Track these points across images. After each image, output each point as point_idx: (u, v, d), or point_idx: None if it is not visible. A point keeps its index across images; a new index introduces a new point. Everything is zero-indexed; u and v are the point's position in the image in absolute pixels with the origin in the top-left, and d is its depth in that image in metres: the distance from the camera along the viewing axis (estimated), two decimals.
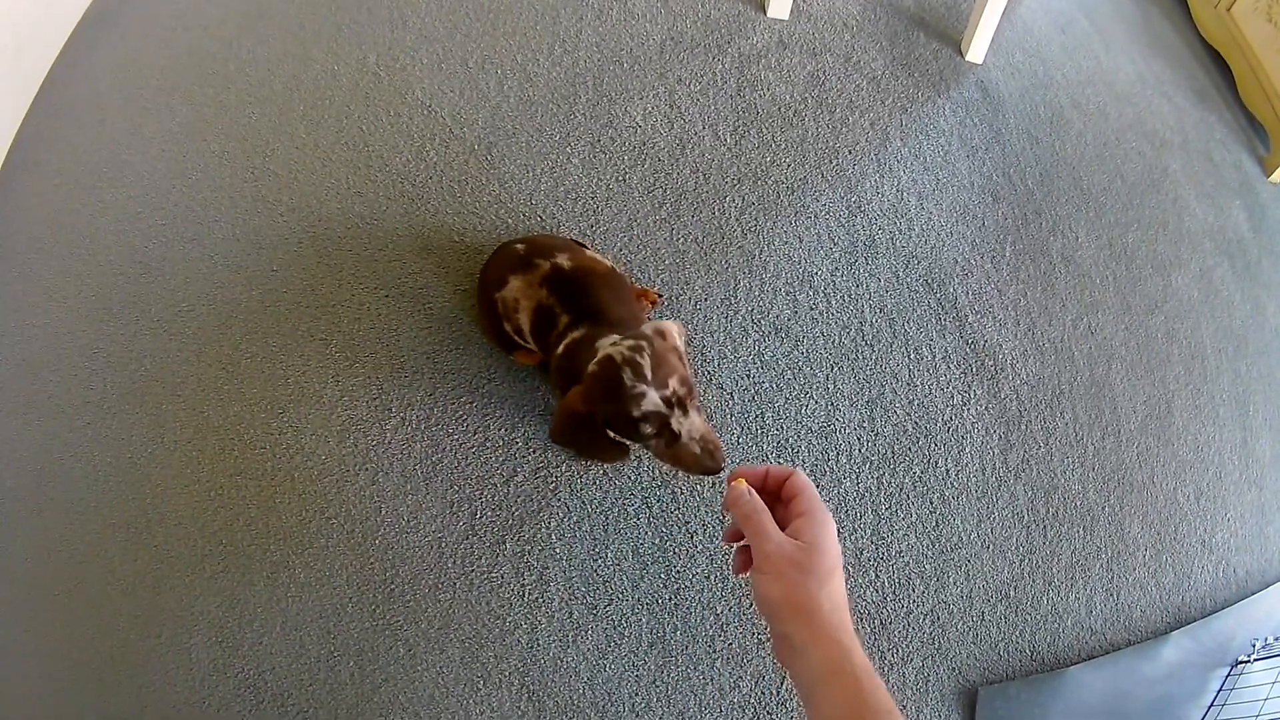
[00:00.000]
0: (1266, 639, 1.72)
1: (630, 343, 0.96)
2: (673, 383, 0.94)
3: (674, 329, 1.02)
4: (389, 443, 1.26)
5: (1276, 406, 1.76)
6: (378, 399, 1.27)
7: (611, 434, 1.00)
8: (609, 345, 0.97)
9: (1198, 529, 1.67)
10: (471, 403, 1.29)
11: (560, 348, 1.07)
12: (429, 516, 1.25)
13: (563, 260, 1.15)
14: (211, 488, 1.26)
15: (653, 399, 0.93)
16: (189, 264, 1.36)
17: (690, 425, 0.94)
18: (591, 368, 0.96)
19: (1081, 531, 1.51)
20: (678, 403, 0.94)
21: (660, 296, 1.35)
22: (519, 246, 1.19)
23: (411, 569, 1.23)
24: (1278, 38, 1.97)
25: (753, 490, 0.73)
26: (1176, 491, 1.65)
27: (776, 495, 0.73)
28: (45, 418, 1.27)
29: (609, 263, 1.23)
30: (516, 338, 1.21)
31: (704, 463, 0.94)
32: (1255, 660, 1.82)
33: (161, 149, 1.42)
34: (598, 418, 0.96)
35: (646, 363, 0.94)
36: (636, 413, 0.93)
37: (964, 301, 1.48)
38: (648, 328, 1.00)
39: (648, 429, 0.94)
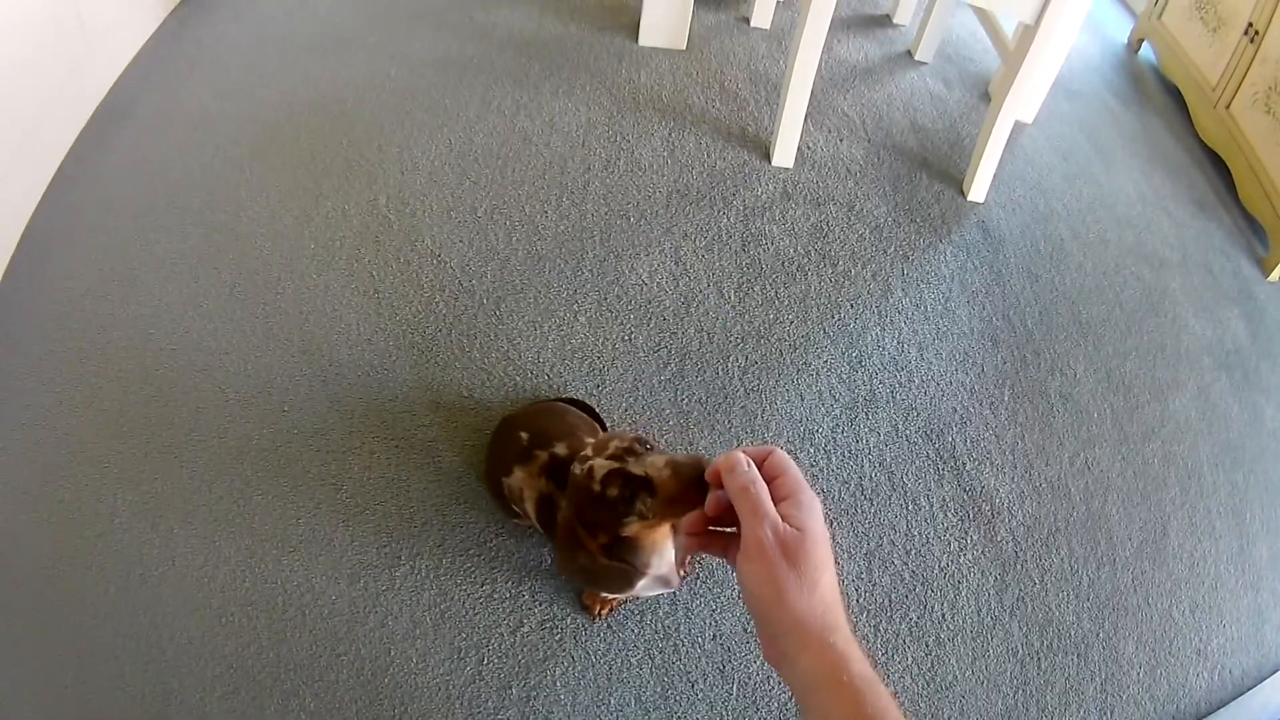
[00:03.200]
0: None
1: (587, 452, 1.00)
2: (612, 444, 0.95)
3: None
4: (398, 589, 1.34)
5: (1273, 509, 1.76)
6: (387, 546, 1.35)
7: (609, 558, 1.02)
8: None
9: (1193, 640, 1.69)
10: (479, 556, 1.37)
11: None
12: (437, 660, 1.31)
13: (560, 450, 1.21)
14: (222, 614, 1.31)
15: (602, 466, 0.93)
16: (200, 394, 1.43)
17: (649, 461, 0.88)
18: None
19: (1075, 659, 1.55)
20: (627, 451, 0.93)
21: None
22: (523, 435, 1.25)
23: (420, 708, 1.29)
24: (1277, 129, 1.94)
25: (751, 462, 0.63)
26: (1171, 609, 1.67)
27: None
28: (55, 523, 1.33)
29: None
30: (517, 509, 1.28)
31: (684, 472, 0.80)
32: None
33: (173, 270, 1.48)
34: (583, 519, 0.98)
35: (589, 449, 0.98)
36: (596, 488, 0.93)
37: (962, 450, 1.51)
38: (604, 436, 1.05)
39: (618, 491, 0.90)
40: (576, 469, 0.99)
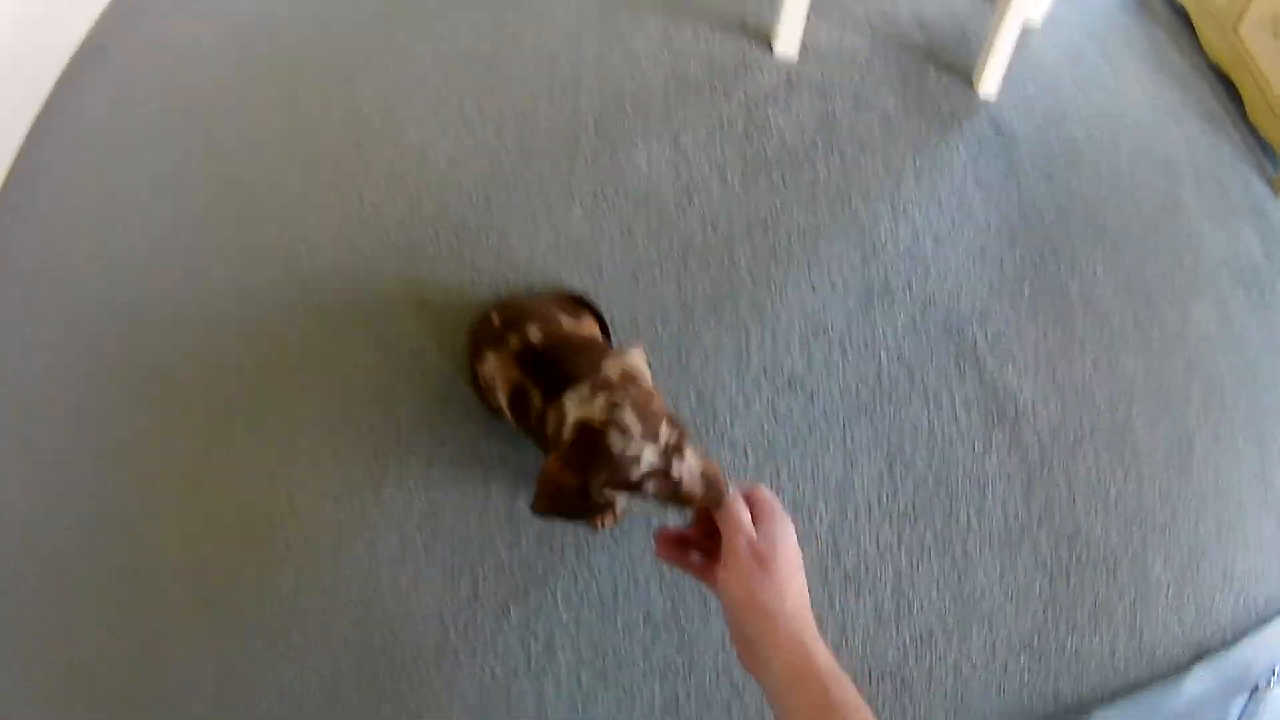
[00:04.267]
0: None
1: (602, 399, 0.82)
2: (663, 430, 0.80)
3: (639, 361, 0.90)
4: (386, 507, 1.22)
5: None
6: (374, 460, 1.21)
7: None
8: (576, 405, 0.84)
9: (1219, 563, 1.58)
10: (471, 465, 1.23)
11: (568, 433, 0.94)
12: (429, 583, 1.20)
13: (533, 333, 1.06)
14: (205, 548, 1.20)
15: (649, 457, 0.78)
16: (179, 315, 1.29)
17: (689, 466, 0.79)
18: (567, 436, 0.83)
19: (1105, 575, 1.43)
20: (674, 449, 0.79)
21: None
22: (495, 316, 1.09)
23: (413, 636, 1.18)
24: None
25: (737, 492, 0.73)
26: (1198, 526, 1.56)
27: None
28: (34, 463, 1.21)
29: (591, 328, 1.11)
30: (496, 406, 1.12)
31: (710, 498, 0.77)
32: (1275, 687, 1.71)
33: (153, 194, 1.34)
34: (591, 488, 0.82)
35: (630, 417, 0.80)
36: (636, 476, 0.79)
37: (983, 346, 1.39)
38: (611, 369, 0.87)
39: (651, 486, 0.79)
40: (615, 440, 0.79)
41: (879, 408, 1.35)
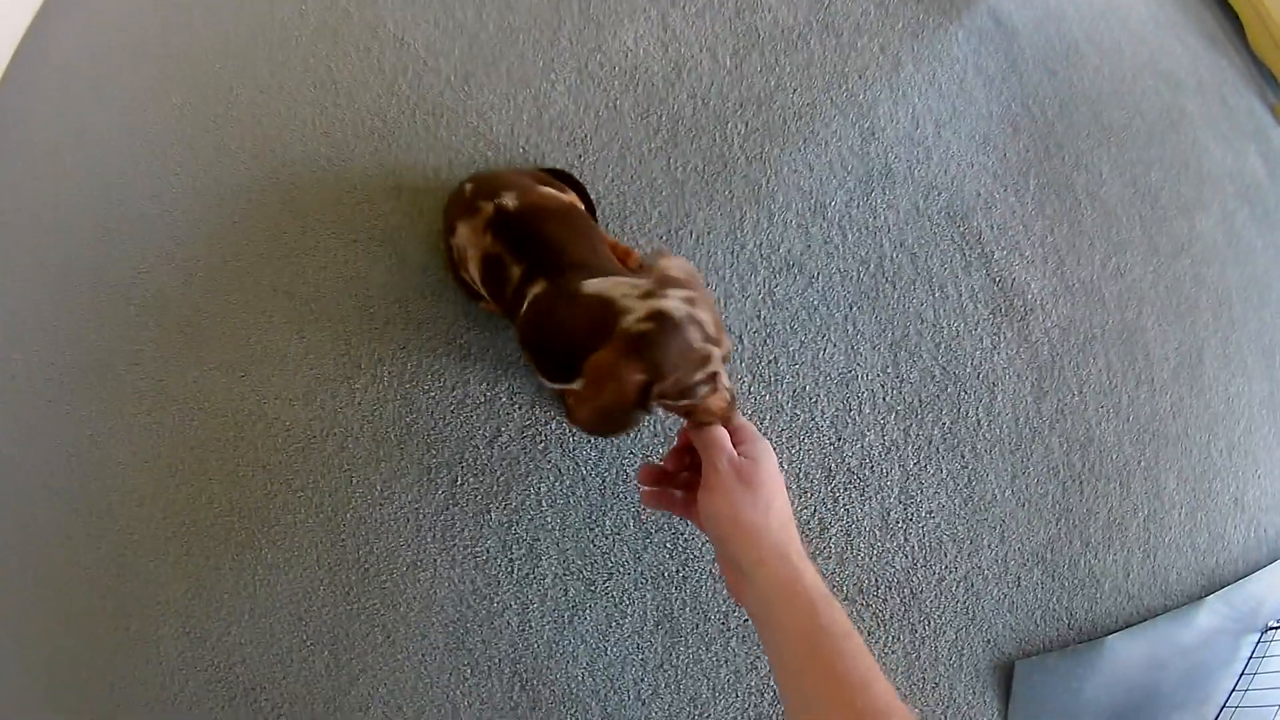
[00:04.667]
0: None
1: (681, 294, 0.75)
2: (727, 339, 0.77)
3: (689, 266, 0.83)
4: (359, 403, 1.09)
5: None
6: (345, 354, 1.09)
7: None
8: (634, 297, 0.75)
9: (1230, 486, 1.49)
10: (448, 355, 1.09)
11: (524, 308, 0.86)
12: (404, 485, 1.07)
13: (508, 201, 0.94)
14: (172, 462, 1.06)
15: (717, 359, 0.75)
16: (148, 223, 1.17)
17: (726, 385, 0.76)
18: (642, 327, 0.73)
19: (1118, 488, 1.32)
20: (726, 358, 0.77)
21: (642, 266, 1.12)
22: (467, 186, 0.97)
23: (387, 545, 1.06)
24: None
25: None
26: (1210, 445, 1.46)
27: None
28: (5, 399, 1.07)
29: (570, 197, 0.99)
30: (475, 289, 0.97)
31: (727, 412, 0.75)
32: None
33: (123, 108, 1.20)
34: (654, 388, 0.73)
35: (706, 316, 0.75)
36: (702, 376, 0.74)
37: (989, 236, 1.28)
38: (675, 269, 0.79)
39: (700, 393, 0.75)
40: (695, 335, 0.73)
41: (881, 294, 1.23)
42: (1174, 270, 1.54)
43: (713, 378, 0.74)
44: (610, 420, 0.78)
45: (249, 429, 1.09)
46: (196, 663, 1.04)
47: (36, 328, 1.09)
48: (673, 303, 0.73)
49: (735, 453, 0.70)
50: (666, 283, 0.76)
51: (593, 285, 0.79)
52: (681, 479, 0.78)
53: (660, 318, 0.73)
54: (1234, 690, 1.64)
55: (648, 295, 0.75)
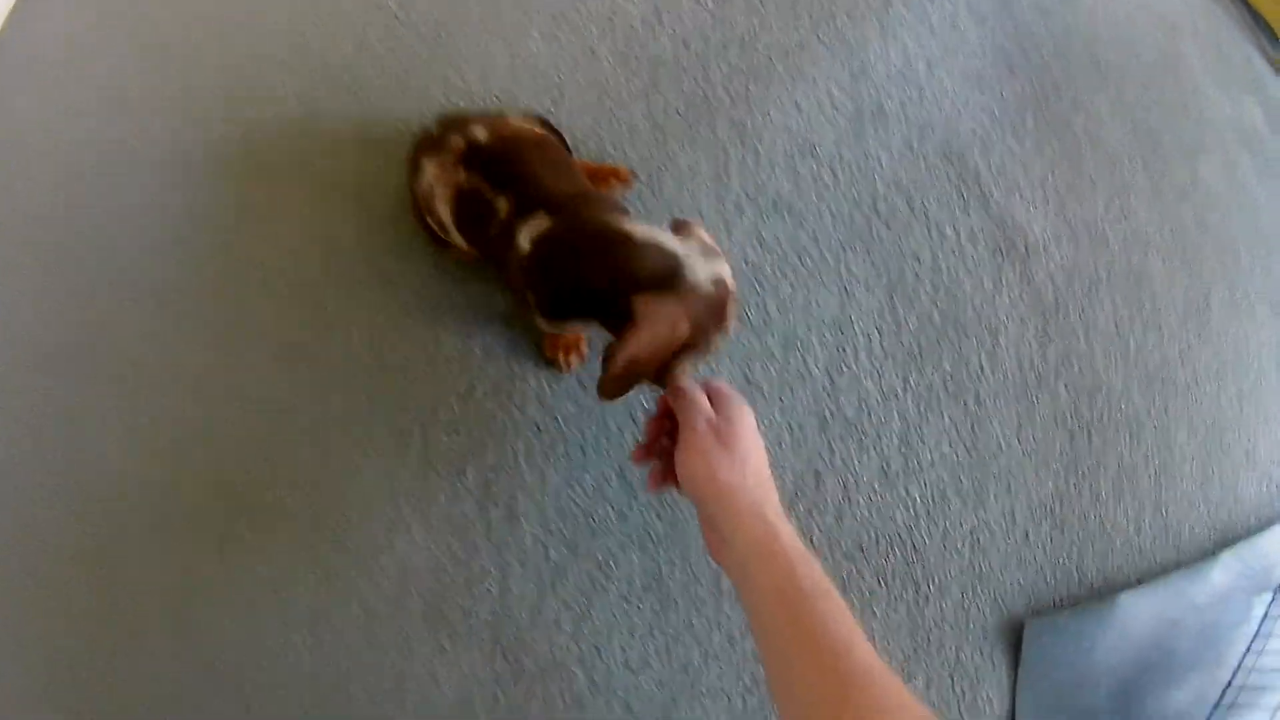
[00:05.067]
0: None
1: (724, 264, 0.77)
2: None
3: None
4: (330, 365, 1.03)
5: None
6: (317, 317, 1.04)
7: None
8: (699, 256, 0.76)
9: (1242, 439, 1.44)
10: (420, 311, 1.03)
11: (526, 245, 0.76)
12: (378, 449, 1.01)
13: (479, 133, 0.89)
14: (150, 438, 1.01)
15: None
16: (119, 194, 1.09)
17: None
18: (711, 289, 0.74)
19: (1128, 438, 1.27)
20: None
21: (633, 174, 1.05)
22: (433, 126, 0.93)
23: (361, 513, 1.00)
24: None
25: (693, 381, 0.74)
26: (1219, 395, 1.41)
27: None
28: None
29: (539, 130, 0.94)
30: (442, 233, 0.91)
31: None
32: None
33: (95, 74, 1.11)
34: (695, 347, 0.76)
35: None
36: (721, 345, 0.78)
37: (987, 176, 1.22)
38: (708, 237, 0.80)
39: (711, 346, 0.78)
40: (734, 309, 0.77)
41: (875, 235, 1.17)
42: (1178, 215, 1.48)
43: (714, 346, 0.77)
44: (639, 370, 0.74)
45: (222, 401, 1.03)
46: (182, 653, 0.99)
47: (14, 299, 1.03)
48: (725, 273, 0.75)
49: (712, 415, 0.71)
50: (711, 252, 0.77)
51: (642, 231, 0.76)
52: (660, 446, 0.78)
53: (723, 286, 0.74)
54: (1247, 652, 1.58)
55: (709, 255, 0.75)
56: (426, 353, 1.05)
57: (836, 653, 0.56)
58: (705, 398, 0.73)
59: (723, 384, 0.75)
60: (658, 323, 0.71)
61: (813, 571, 0.61)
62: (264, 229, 1.07)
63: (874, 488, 1.12)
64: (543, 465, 1.04)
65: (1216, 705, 1.57)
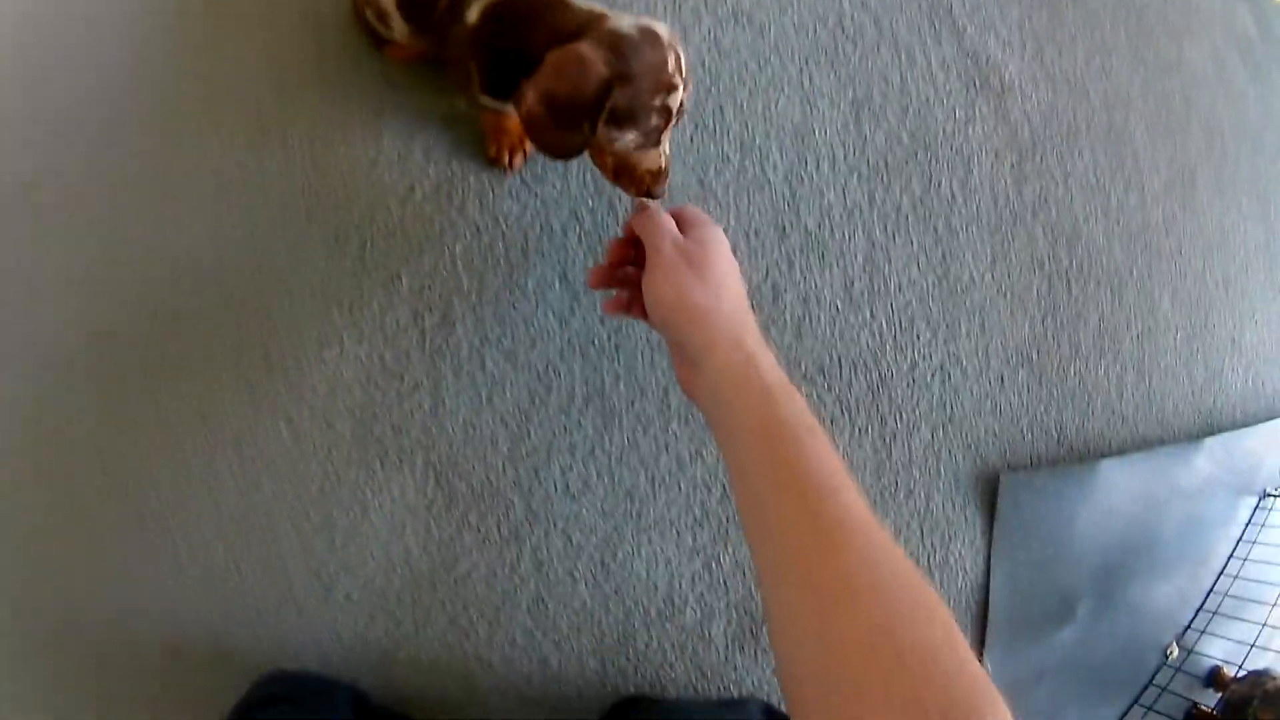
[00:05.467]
0: None
1: (671, 31, 0.70)
2: (690, 86, 0.73)
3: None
4: (267, 172, 0.96)
5: None
6: (255, 122, 0.97)
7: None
8: (635, 18, 0.70)
9: (1227, 323, 1.37)
10: (362, 113, 0.98)
11: (475, 18, 0.75)
12: (312, 256, 0.95)
13: None
14: (89, 280, 0.95)
15: (676, 100, 0.69)
16: (68, 26, 1.00)
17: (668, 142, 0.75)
18: (627, 31, 0.68)
19: (1109, 294, 1.21)
20: (681, 112, 0.72)
21: None
22: None
23: (290, 322, 0.93)
24: None
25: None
26: (1205, 273, 1.35)
27: None
28: None
29: None
30: (383, 27, 0.85)
31: (657, 179, 0.73)
32: None
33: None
34: (612, 90, 0.67)
35: (684, 57, 0.70)
36: (658, 103, 0.68)
37: (959, 10, 1.19)
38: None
39: (653, 124, 0.69)
40: (672, 60, 0.69)
41: (841, 51, 1.11)
42: (1163, 86, 1.43)
43: (665, 117, 0.69)
44: (557, 114, 0.67)
45: (156, 212, 0.96)
46: (110, 491, 0.92)
47: None
48: (662, 27, 0.69)
49: (680, 238, 0.66)
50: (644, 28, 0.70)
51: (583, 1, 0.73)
52: (625, 274, 0.73)
53: (647, 31, 0.67)
54: (1231, 557, 1.52)
55: (640, 18, 0.69)
56: (368, 156, 0.98)
57: (821, 495, 0.49)
58: (671, 220, 0.68)
59: (694, 209, 0.71)
60: (563, 65, 0.66)
61: (795, 403, 0.55)
62: (202, 38, 1.00)
63: (836, 306, 1.05)
64: (481, 268, 0.97)
65: (1199, 609, 1.49)
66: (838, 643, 0.44)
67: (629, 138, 0.69)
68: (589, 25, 0.68)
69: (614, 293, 0.77)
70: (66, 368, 0.95)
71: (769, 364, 0.58)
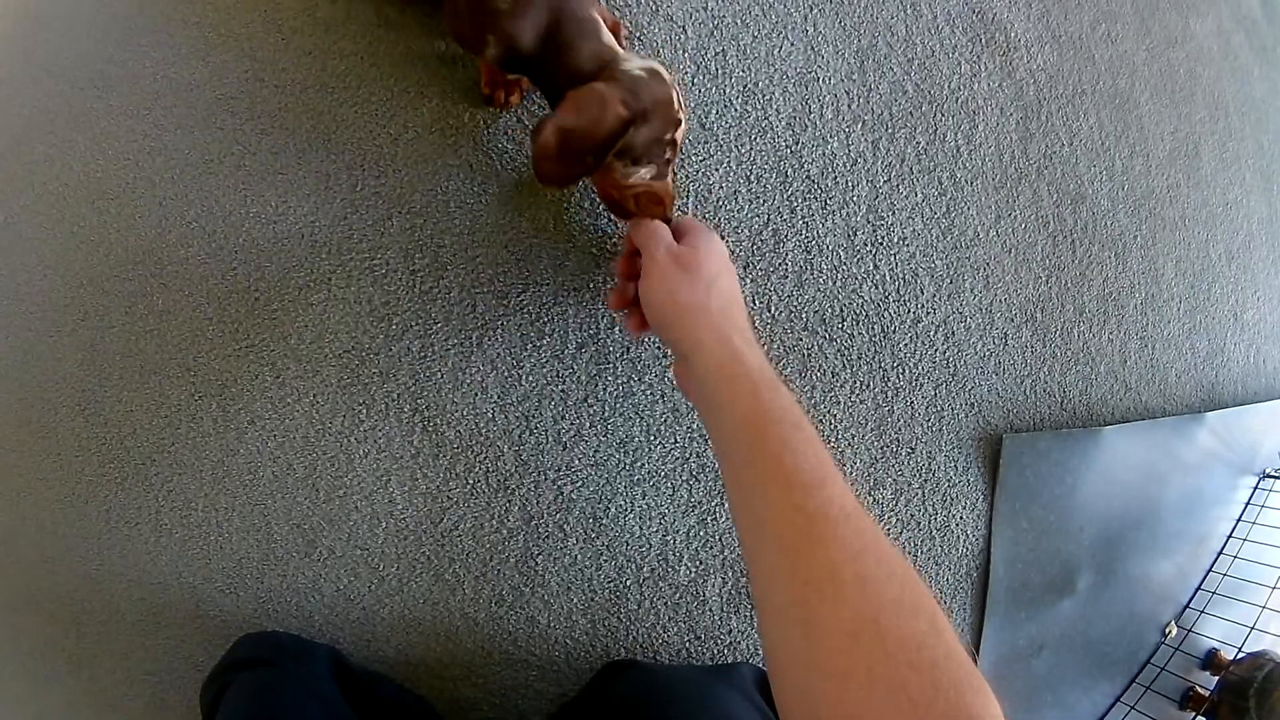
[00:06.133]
0: None
1: (663, 70, 0.74)
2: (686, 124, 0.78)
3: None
4: (259, 114, 0.94)
5: None
6: (249, 70, 0.95)
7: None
8: (641, 59, 0.74)
9: (1229, 297, 1.35)
10: (356, 55, 0.96)
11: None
12: (301, 197, 0.92)
13: None
14: (75, 220, 0.95)
15: (682, 133, 0.75)
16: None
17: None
18: (640, 74, 0.71)
19: (1113, 258, 1.19)
20: (679, 145, 0.78)
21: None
22: None
23: (278, 266, 0.91)
24: None
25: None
26: (1208, 245, 1.33)
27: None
28: None
29: None
30: None
31: (667, 203, 0.77)
32: None
33: None
34: (629, 130, 0.70)
35: (682, 96, 0.76)
36: (669, 137, 0.73)
37: None
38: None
39: (665, 156, 0.74)
40: (676, 96, 0.73)
41: (845, 1, 1.08)
42: (1168, 58, 1.41)
43: (674, 148, 0.74)
44: (569, 148, 0.69)
45: (147, 165, 0.94)
46: (91, 443, 0.91)
47: None
48: (661, 67, 0.73)
49: (675, 244, 0.69)
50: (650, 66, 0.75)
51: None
52: (633, 289, 0.74)
53: (653, 73, 0.71)
54: (1230, 537, 1.50)
55: (645, 60, 0.74)
56: (360, 95, 0.95)
57: (807, 488, 0.51)
58: (667, 229, 0.71)
59: (690, 219, 0.75)
60: (587, 100, 0.69)
61: (780, 398, 0.56)
62: None
63: (839, 255, 1.02)
64: (474, 209, 0.94)
65: (1198, 588, 1.47)
66: (824, 632, 0.45)
67: (643, 172, 0.72)
68: (605, 66, 0.71)
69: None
70: (50, 319, 0.94)
71: (757, 361, 0.59)
